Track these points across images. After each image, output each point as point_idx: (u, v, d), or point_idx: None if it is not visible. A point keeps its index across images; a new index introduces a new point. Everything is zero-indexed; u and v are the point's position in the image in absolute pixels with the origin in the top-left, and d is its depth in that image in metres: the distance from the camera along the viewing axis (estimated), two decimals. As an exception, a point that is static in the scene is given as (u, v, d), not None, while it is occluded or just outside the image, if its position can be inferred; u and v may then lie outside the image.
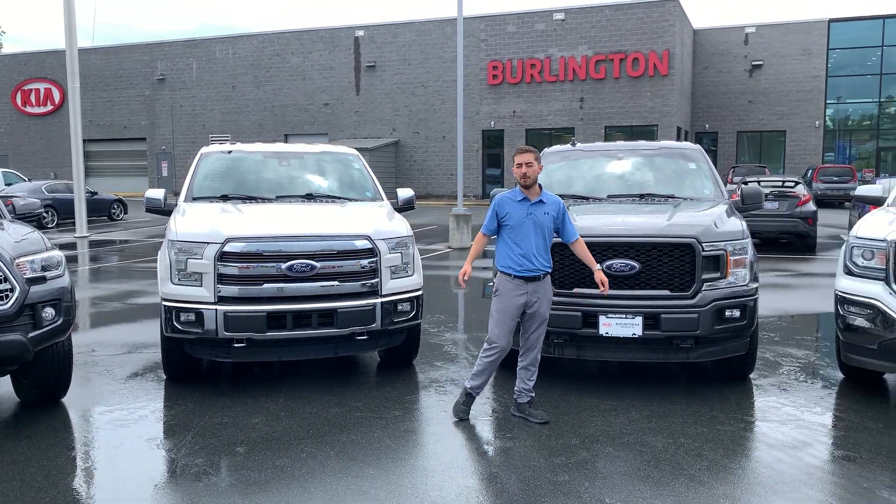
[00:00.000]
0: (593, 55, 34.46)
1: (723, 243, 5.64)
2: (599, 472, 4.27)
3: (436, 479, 4.22)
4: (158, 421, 5.27)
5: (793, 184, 16.55)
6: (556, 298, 5.53)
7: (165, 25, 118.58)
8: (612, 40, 34.17)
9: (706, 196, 6.86)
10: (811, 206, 15.73)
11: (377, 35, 38.34)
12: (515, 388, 5.25)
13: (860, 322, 5.48)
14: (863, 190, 7.16)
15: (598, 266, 5.24)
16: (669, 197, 6.78)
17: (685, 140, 37.15)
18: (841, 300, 5.67)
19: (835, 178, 30.08)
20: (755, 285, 5.81)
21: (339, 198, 7.10)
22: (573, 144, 7.78)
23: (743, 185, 7.48)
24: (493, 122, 36.55)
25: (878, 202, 6.73)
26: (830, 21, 37.92)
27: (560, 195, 6.91)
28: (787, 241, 15.85)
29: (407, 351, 6.56)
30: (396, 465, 4.41)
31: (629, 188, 7.03)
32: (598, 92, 34.77)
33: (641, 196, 6.85)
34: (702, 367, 6.44)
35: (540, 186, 5.19)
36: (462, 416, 5.17)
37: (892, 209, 6.17)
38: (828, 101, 38.40)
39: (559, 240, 5.31)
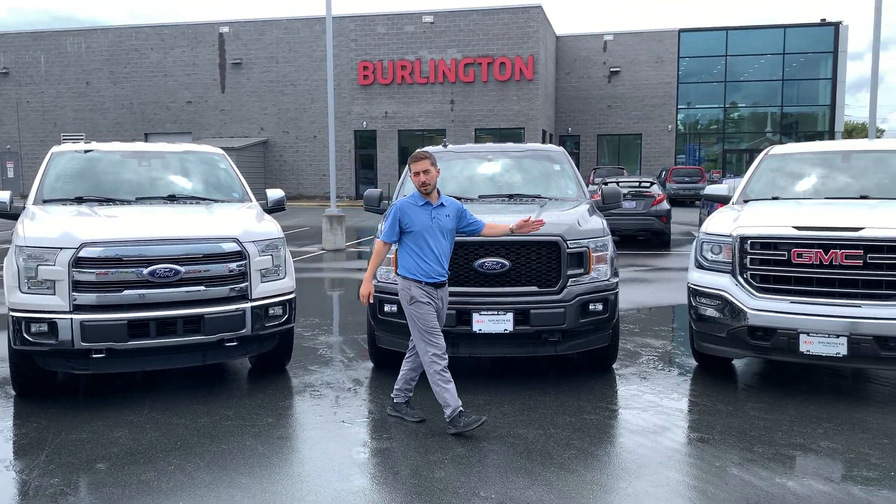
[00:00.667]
0: (462, 58, 35.05)
1: (586, 241, 5.90)
2: (474, 467, 4.35)
3: (311, 483, 4.16)
4: (7, 441, 4.88)
5: (648, 184, 17.59)
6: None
7: (4, 15, 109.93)
8: (479, 44, 34.89)
9: (570, 196, 7.15)
10: (665, 205, 16.79)
11: (243, 32, 37.26)
12: (395, 388, 5.25)
13: (710, 312, 5.88)
14: (711, 189, 7.68)
15: (511, 225, 5.31)
16: (536, 197, 7.01)
17: (550, 143, 38.49)
18: (693, 292, 6.07)
19: (686, 179, 32.13)
20: (616, 280, 6.11)
21: (205, 199, 6.84)
22: (444, 146, 7.88)
23: (603, 186, 7.85)
24: (365, 123, 36.40)
25: (724, 200, 7.24)
26: (680, 31, 40.48)
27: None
28: (644, 237, 16.78)
29: (279, 356, 6.42)
30: (270, 472, 4.31)
31: (499, 189, 7.20)
32: (467, 94, 35.40)
33: (510, 196, 7.04)
34: (568, 360, 6.70)
35: (438, 190, 5.17)
36: (476, 423, 4.82)
37: (737, 207, 6.66)
38: (679, 107, 40.97)
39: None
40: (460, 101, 35.45)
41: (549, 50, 37.95)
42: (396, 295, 5.89)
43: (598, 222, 6.19)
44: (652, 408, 5.44)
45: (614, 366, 6.52)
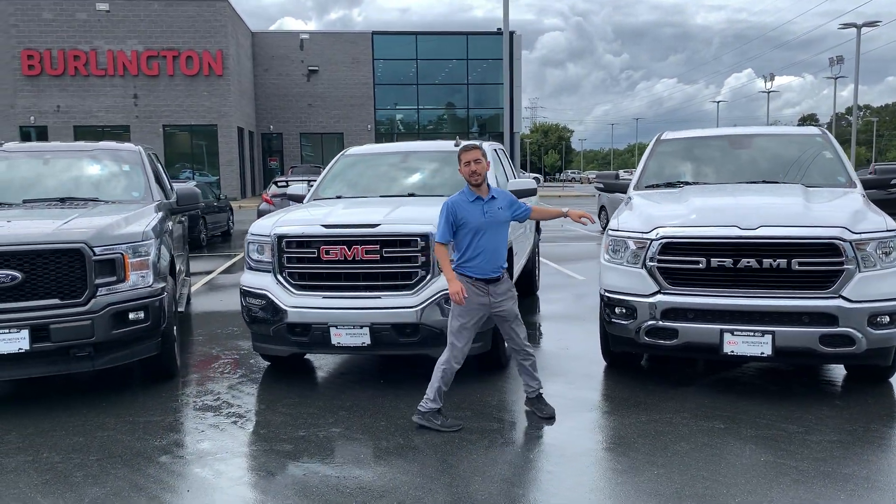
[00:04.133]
0: (144, 50, 32.93)
1: (120, 246, 5.60)
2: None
3: None
4: None
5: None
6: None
7: None
8: (163, 36, 33.03)
9: (134, 198, 6.81)
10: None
11: None
12: (524, 385, 5.21)
13: (258, 312, 5.87)
14: (290, 190, 7.78)
15: (566, 208, 5.35)
16: (92, 200, 6.58)
17: (249, 141, 37.68)
18: (243, 293, 6.02)
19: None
20: (161, 285, 5.89)
21: None
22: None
23: (179, 188, 7.57)
24: (33, 118, 32.69)
25: (300, 199, 7.36)
26: (374, 34, 41.85)
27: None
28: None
29: None
30: None
31: (48, 192, 6.64)
32: (152, 89, 33.34)
33: (62, 200, 6.53)
34: (126, 371, 6.35)
35: (488, 184, 4.98)
36: (457, 426, 4.89)
37: (302, 206, 6.80)
38: (377, 107, 42.36)
39: None
40: (145, 95, 33.29)
41: (241, 45, 37.05)
42: None
43: (137, 227, 5.89)
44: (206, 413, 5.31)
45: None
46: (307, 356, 6.70)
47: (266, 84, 40.88)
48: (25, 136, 32.64)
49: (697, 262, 5.27)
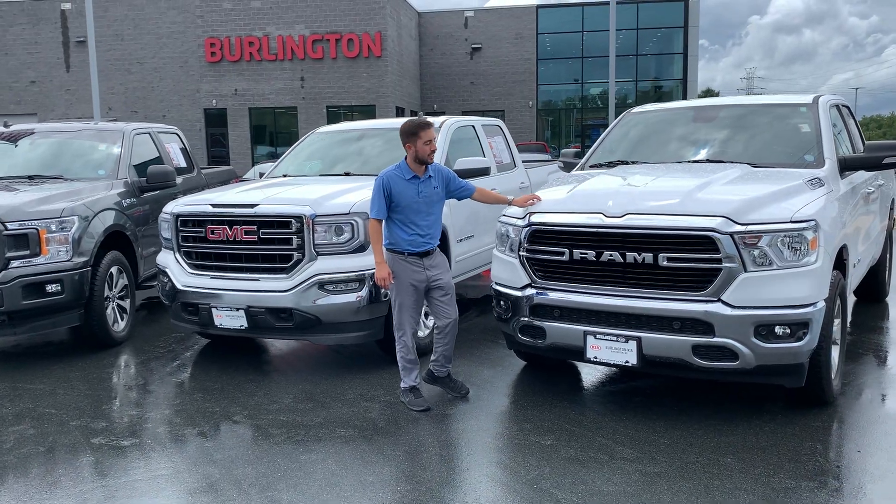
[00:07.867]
0: (310, 35, 34.66)
1: (36, 222, 5.92)
2: None
3: None
4: None
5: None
6: None
7: None
8: (327, 20, 34.56)
9: (98, 176, 7.16)
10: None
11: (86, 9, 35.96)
12: (431, 359, 5.06)
13: (164, 290, 5.99)
14: (260, 168, 7.80)
15: (511, 197, 5.12)
16: (55, 178, 7.03)
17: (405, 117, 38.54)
18: (158, 271, 6.17)
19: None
20: (83, 259, 6.15)
21: None
22: (5, 125, 7.82)
23: (151, 167, 7.76)
24: (214, 101, 35.70)
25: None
26: (538, 7, 40.94)
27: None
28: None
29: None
30: None
31: (26, 170, 7.19)
32: (317, 71, 35.06)
33: (31, 178, 7.04)
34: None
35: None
36: (422, 406, 4.78)
37: (246, 183, 6.80)
38: (539, 83, 41.52)
39: None
40: (310, 78, 35.10)
41: (404, 26, 37.87)
42: None
43: (58, 205, 6.17)
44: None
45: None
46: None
47: (430, 64, 41.49)
48: (209, 118, 35.82)
49: (562, 254, 4.58)
